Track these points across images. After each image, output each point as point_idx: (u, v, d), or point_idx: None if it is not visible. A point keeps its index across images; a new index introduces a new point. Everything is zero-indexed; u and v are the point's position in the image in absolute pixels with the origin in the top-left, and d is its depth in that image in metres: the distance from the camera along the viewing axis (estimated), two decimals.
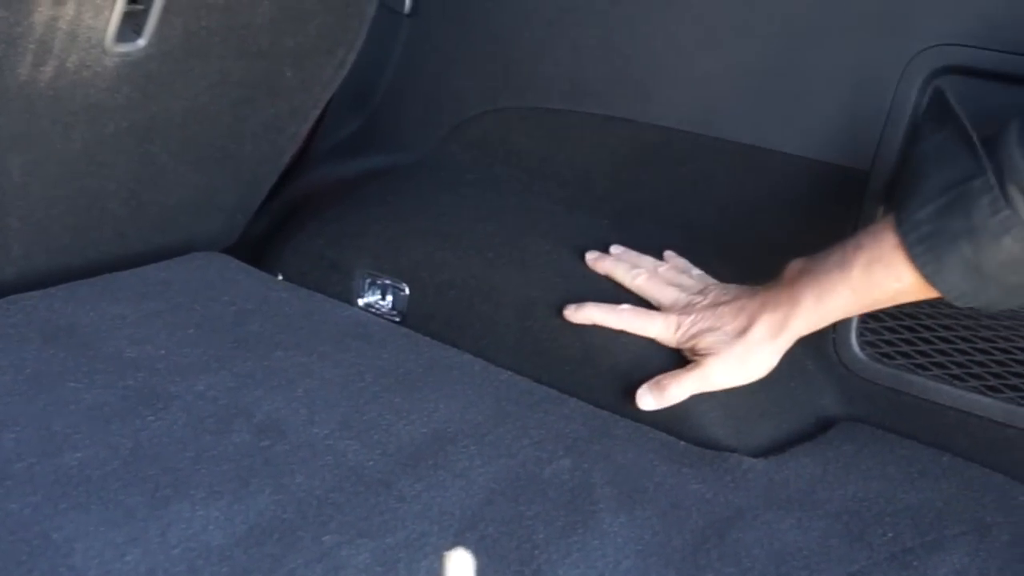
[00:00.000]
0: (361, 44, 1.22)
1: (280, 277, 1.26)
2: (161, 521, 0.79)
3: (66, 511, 0.78)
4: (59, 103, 1.00)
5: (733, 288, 1.06)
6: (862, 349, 1.07)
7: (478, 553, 0.83)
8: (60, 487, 0.81)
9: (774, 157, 1.13)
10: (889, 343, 1.06)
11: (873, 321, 1.06)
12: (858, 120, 1.06)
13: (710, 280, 1.10)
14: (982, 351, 1.02)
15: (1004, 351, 1.01)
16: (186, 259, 1.21)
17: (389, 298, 1.22)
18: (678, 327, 1.04)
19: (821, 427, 1.08)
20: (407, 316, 1.20)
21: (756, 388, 1.03)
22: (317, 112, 1.28)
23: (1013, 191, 0.83)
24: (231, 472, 0.86)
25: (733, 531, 0.89)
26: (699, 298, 1.05)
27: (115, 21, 0.98)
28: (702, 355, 1.01)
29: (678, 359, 1.04)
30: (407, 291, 1.20)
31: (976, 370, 1.03)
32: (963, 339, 1.03)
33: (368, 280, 1.23)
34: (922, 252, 0.88)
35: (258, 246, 1.35)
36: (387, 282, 1.22)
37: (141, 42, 1.02)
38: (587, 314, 1.07)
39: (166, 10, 1.01)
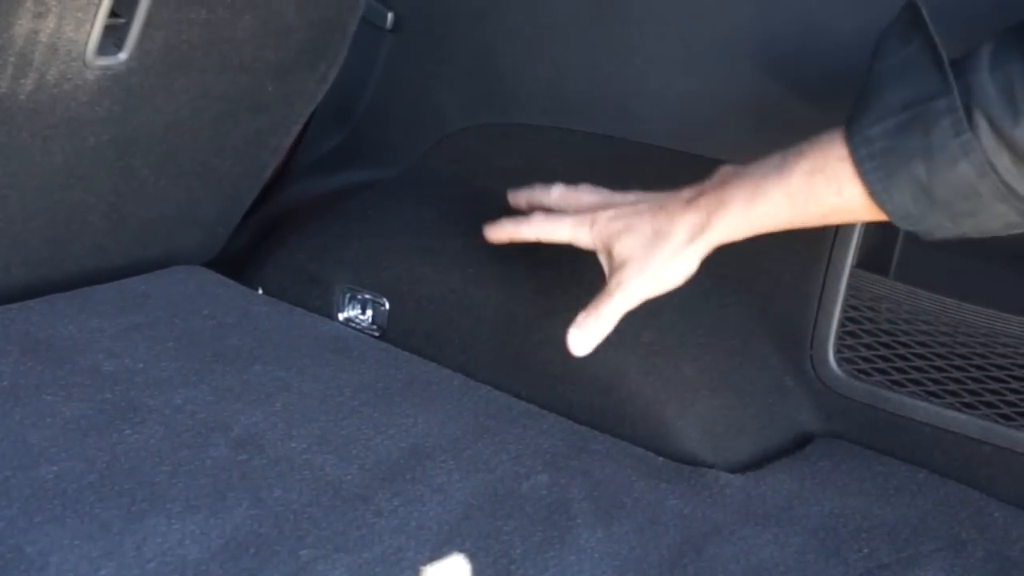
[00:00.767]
0: (343, 59, 1.22)
1: (260, 291, 1.26)
2: (137, 535, 0.79)
3: (41, 524, 0.78)
4: (39, 116, 1.00)
5: (661, 194, 0.95)
6: (839, 365, 1.08)
7: (455, 568, 0.83)
8: (36, 500, 0.80)
9: None
10: (866, 359, 1.07)
11: (850, 338, 1.07)
12: None
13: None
14: (958, 368, 1.03)
15: (980, 368, 1.02)
16: (166, 272, 1.21)
17: (369, 313, 1.22)
18: (592, 223, 0.95)
19: (798, 443, 1.08)
20: (387, 331, 1.20)
21: (734, 403, 1.03)
22: (299, 126, 1.28)
23: (978, 115, 0.79)
24: (208, 486, 0.86)
25: (710, 547, 0.89)
26: (620, 197, 0.97)
27: (96, 34, 0.98)
28: (618, 263, 0.93)
29: (659, 373, 1.04)
30: (387, 306, 1.21)
31: (952, 387, 1.03)
32: (939, 356, 1.03)
33: (348, 295, 1.23)
34: (872, 168, 0.83)
35: (238, 260, 1.35)
36: (367, 297, 1.22)
37: (122, 56, 1.02)
38: (500, 229, 1.01)
39: (147, 24, 1.01)
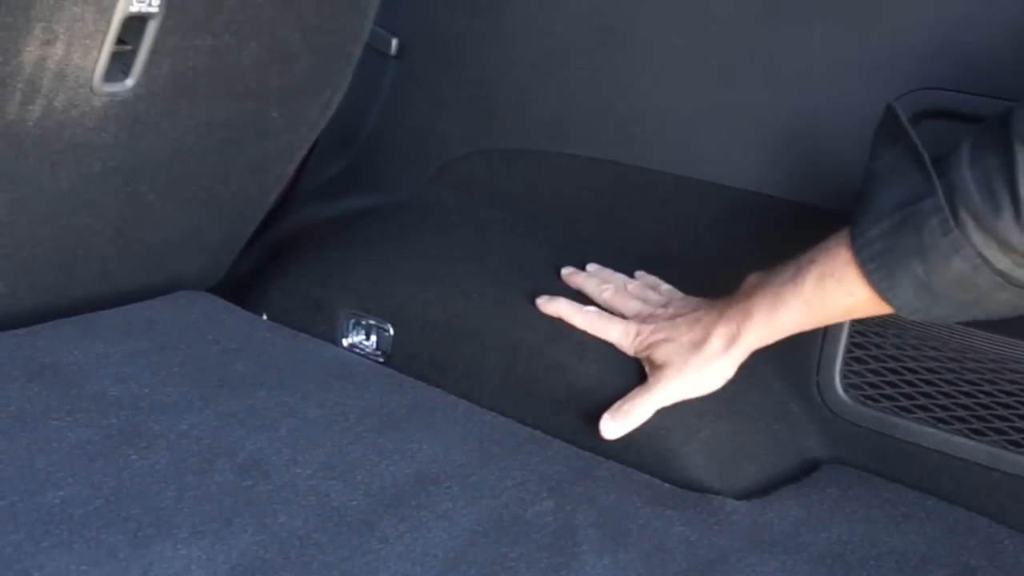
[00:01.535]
0: (347, 85, 1.23)
1: (265, 317, 1.26)
2: (143, 560, 0.79)
3: (48, 550, 0.78)
4: (46, 142, 1.00)
5: (694, 300, 1.08)
6: (846, 391, 1.08)
7: None
8: (42, 525, 0.80)
9: (758, 200, 1.14)
10: (873, 385, 1.07)
11: (857, 364, 1.07)
12: (842, 163, 1.07)
13: (677, 294, 1.13)
14: (966, 394, 1.03)
15: (988, 394, 1.02)
16: (171, 298, 1.21)
17: (373, 338, 1.22)
18: (636, 335, 1.06)
19: (805, 469, 1.08)
20: (391, 356, 1.20)
21: (740, 430, 1.03)
22: (303, 152, 1.28)
23: (962, 213, 0.83)
24: (214, 512, 0.85)
25: (717, 574, 0.89)
26: (661, 310, 1.08)
27: (103, 61, 0.98)
28: (658, 366, 1.03)
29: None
30: (391, 331, 1.20)
31: (960, 413, 1.03)
32: (947, 382, 1.03)
33: (352, 320, 1.23)
34: (875, 269, 0.88)
35: (243, 285, 1.35)
36: (371, 322, 1.22)
37: (129, 82, 1.02)
38: (556, 307, 1.11)
39: (154, 51, 1.01)
